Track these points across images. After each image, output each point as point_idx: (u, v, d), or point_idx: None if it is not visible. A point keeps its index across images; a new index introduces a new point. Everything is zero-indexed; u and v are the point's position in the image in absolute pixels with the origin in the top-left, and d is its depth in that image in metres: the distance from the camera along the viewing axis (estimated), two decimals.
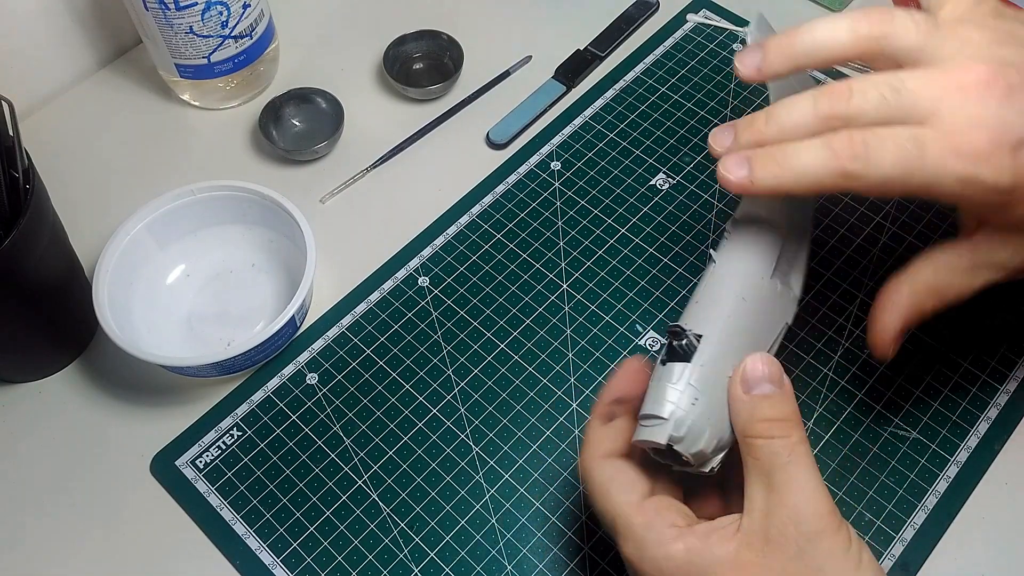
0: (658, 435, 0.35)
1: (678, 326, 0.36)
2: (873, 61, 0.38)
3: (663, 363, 0.36)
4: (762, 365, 0.35)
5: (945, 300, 0.39)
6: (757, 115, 0.38)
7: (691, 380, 0.35)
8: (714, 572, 0.33)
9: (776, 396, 0.35)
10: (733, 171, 0.37)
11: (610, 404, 0.38)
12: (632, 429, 0.37)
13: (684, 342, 0.36)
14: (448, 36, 0.63)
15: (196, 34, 0.55)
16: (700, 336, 0.36)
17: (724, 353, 0.36)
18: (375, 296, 0.53)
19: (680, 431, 0.34)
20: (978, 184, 0.34)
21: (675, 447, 0.35)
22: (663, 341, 0.38)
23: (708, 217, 0.55)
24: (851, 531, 0.34)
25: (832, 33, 0.37)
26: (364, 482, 0.47)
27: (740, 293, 0.38)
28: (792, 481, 0.33)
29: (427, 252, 0.55)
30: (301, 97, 0.60)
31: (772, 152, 0.36)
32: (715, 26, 0.65)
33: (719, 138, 0.38)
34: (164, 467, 0.48)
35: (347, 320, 0.52)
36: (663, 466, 0.36)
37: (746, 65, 0.39)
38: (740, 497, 0.35)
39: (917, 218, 0.55)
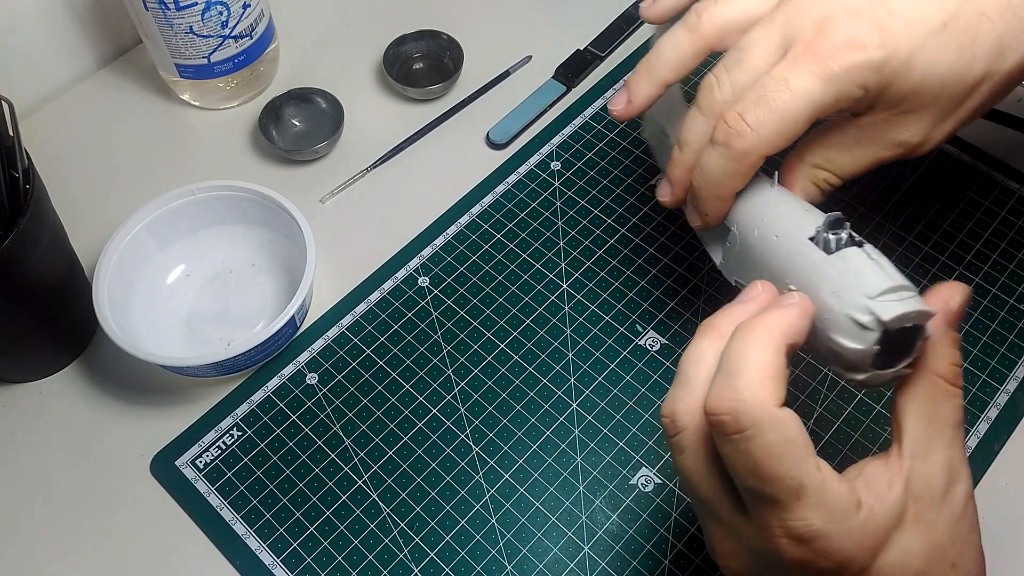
0: (925, 305, 0.31)
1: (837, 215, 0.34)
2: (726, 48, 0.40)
3: (850, 245, 0.33)
4: (963, 303, 0.33)
5: (840, 173, 0.39)
6: (672, 159, 0.40)
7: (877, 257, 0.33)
8: (895, 535, 0.31)
9: (958, 339, 0.33)
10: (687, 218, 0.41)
11: (791, 347, 0.31)
12: (787, 375, 0.31)
13: (849, 233, 0.34)
14: (448, 36, 0.63)
15: (196, 34, 0.55)
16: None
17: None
18: (375, 296, 0.53)
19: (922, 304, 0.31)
20: (840, 84, 0.35)
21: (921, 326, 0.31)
22: (822, 231, 0.34)
23: None
24: None
25: (674, 42, 0.40)
26: (364, 482, 0.47)
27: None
28: (959, 436, 0.32)
29: (427, 252, 0.55)
30: (301, 97, 0.60)
31: (697, 193, 0.39)
32: None
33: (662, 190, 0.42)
34: (164, 467, 0.48)
35: (347, 320, 0.52)
36: None
37: (616, 104, 0.42)
38: None
39: (917, 218, 0.55)
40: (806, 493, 0.29)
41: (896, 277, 0.32)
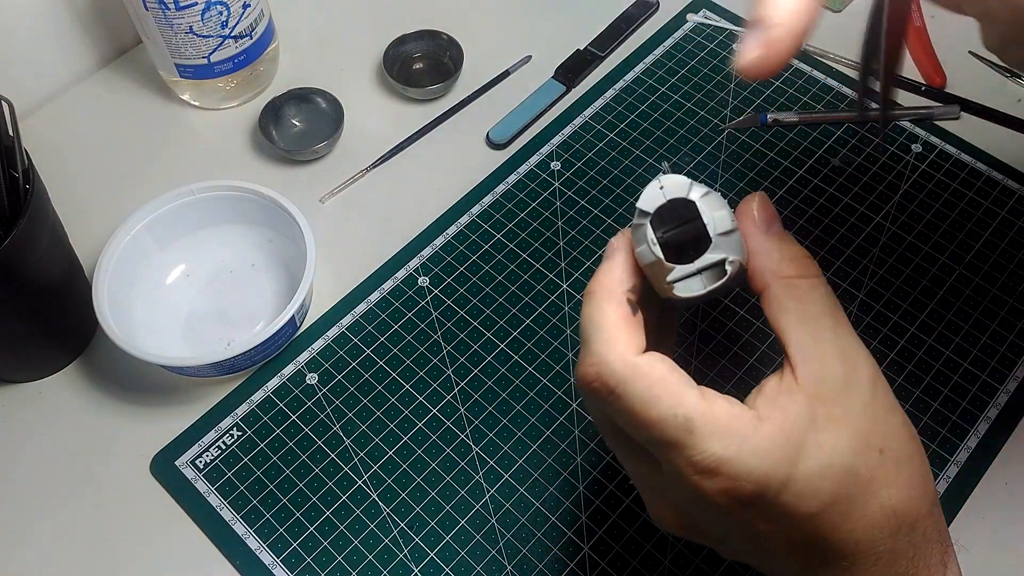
0: (681, 180, 0.31)
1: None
2: None
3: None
4: (769, 206, 0.33)
5: None
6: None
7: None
8: (808, 442, 0.30)
9: (789, 236, 0.32)
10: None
11: (628, 293, 0.32)
12: (641, 321, 0.32)
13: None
14: (448, 36, 0.62)
15: (196, 34, 0.55)
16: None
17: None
18: (375, 296, 0.53)
19: (695, 187, 0.32)
20: None
21: (700, 207, 0.31)
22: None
23: None
24: None
25: None
26: (364, 482, 0.47)
27: None
28: (843, 323, 0.31)
29: (427, 252, 0.55)
30: (301, 97, 0.60)
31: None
32: (715, 26, 0.65)
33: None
34: (164, 467, 0.48)
35: (347, 320, 0.52)
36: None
37: (750, 54, 0.33)
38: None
39: (917, 218, 0.55)
40: (695, 425, 0.29)
41: (667, 179, 0.32)
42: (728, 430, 0.29)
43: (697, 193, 0.31)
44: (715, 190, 0.32)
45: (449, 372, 0.50)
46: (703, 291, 0.32)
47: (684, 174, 0.32)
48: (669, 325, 0.38)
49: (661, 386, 0.30)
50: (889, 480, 0.31)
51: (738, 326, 0.50)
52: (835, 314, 0.32)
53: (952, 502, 0.45)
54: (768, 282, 0.32)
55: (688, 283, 0.31)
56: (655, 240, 0.31)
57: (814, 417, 0.30)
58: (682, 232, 0.33)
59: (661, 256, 0.31)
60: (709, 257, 0.31)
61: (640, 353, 0.31)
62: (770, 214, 0.33)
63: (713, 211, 0.31)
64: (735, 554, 0.34)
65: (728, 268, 0.31)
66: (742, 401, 0.31)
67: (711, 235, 0.31)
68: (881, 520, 0.30)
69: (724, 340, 0.48)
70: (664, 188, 0.32)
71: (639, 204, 0.32)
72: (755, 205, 0.33)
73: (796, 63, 0.62)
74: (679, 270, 0.31)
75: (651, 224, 0.32)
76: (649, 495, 0.34)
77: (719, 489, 0.30)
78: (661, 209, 0.32)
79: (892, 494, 0.31)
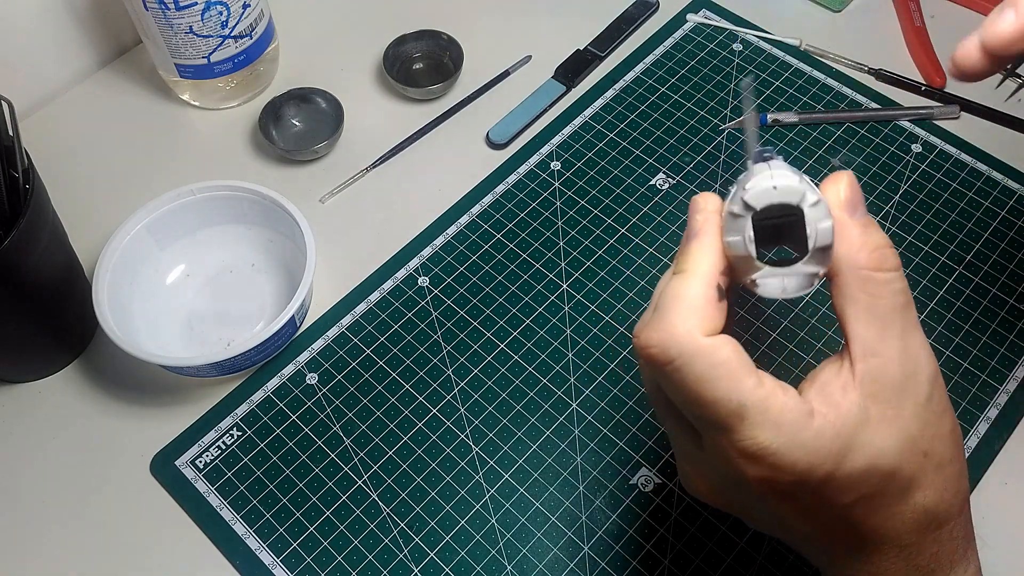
0: (794, 180, 0.29)
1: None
2: None
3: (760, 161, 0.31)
4: (856, 188, 0.31)
5: None
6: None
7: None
8: (859, 437, 0.30)
9: (873, 222, 0.31)
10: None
11: (721, 277, 0.31)
12: (724, 307, 0.31)
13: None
14: (448, 36, 0.62)
15: (196, 34, 0.55)
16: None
17: None
18: (375, 296, 0.53)
19: (810, 192, 0.30)
20: None
21: (808, 208, 0.30)
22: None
23: None
24: None
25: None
26: (364, 482, 0.47)
27: None
28: (913, 323, 0.30)
29: (427, 252, 0.55)
30: (301, 97, 0.60)
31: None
32: (715, 26, 0.65)
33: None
34: (164, 467, 0.48)
35: (347, 320, 0.52)
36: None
37: (968, 55, 0.35)
38: None
39: (917, 218, 0.55)
40: (748, 412, 0.29)
41: (780, 165, 0.30)
42: (779, 421, 0.29)
43: (809, 201, 0.30)
44: (817, 189, 0.30)
45: (449, 372, 0.50)
46: (784, 295, 0.31)
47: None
48: (730, 302, 0.37)
49: (723, 369, 0.29)
50: (928, 482, 0.31)
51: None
52: (905, 312, 0.31)
53: None
54: (842, 269, 0.31)
55: (771, 282, 0.31)
56: (752, 238, 0.30)
57: (867, 417, 0.30)
58: (778, 224, 0.31)
59: (755, 255, 0.30)
60: (802, 268, 0.30)
61: (712, 335, 0.30)
62: (856, 197, 0.31)
63: (819, 223, 0.30)
64: (759, 526, 0.35)
65: (816, 281, 0.31)
66: (796, 386, 0.31)
67: (810, 248, 0.30)
68: (912, 517, 0.31)
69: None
70: (777, 188, 0.29)
71: (747, 197, 0.30)
72: (843, 186, 0.31)
73: (796, 63, 0.62)
74: (768, 271, 0.30)
75: (752, 217, 0.30)
76: (685, 462, 0.34)
77: (760, 477, 0.30)
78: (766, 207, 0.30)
79: (928, 495, 0.31)
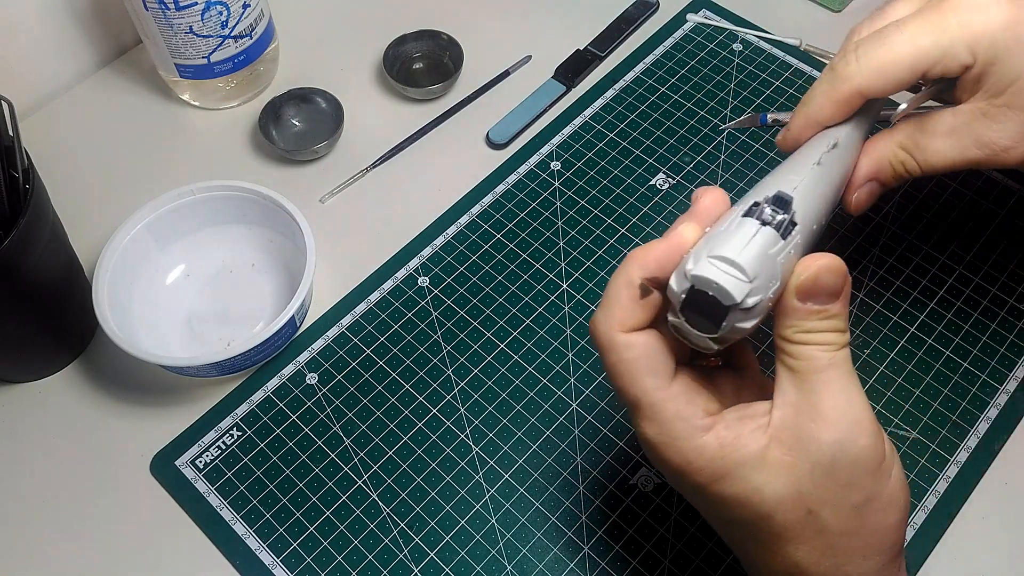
0: (736, 290, 0.31)
1: (783, 193, 0.33)
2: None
3: (763, 220, 0.32)
4: (828, 275, 0.32)
5: (921, 162, 0.39)
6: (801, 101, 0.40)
7: (771, 250, 0.32)
8: (742, 467, 0.32)
9: (830, 310, 0.32)
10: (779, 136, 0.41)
11: (647, 280, 0.33)
12: (661, 307, 0.34)
13: (770, 209, 0.33)
14: (448, 36, 0.63)
15: (196, 34, 0.55)
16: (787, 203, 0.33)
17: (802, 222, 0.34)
18: (375, 296, 0.53)
19: (750, 297, 0.31)
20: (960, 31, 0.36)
21: (734, 311, 0.31)
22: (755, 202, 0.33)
23: None
24: (886, 441, 0.33)
25: (823, 90, 0.39)
26: (364, 482, 0.47)
27: (814, 159, 0.37)
28: (829, 384, 0.32)
29: (427, 252, 0.55)
30: (301, 97, 0.60)
31: (796, 110, 0.40)
32: (715, 26, 0.65)
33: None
34: (164, 467, 0.48)
35: (347, 320, 0.52)
36: (680, 341, 0.34)
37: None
38: (755, 384, 0.35)
39: (917, 218, 0.55)
40: (641, 406, 0.33)
41: (748, 256, 0.31)
42: (664, 423, 0.33)
43: (743, 305, 0.31)
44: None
45: (449, 372, 0.50)
46: (685, 340, 0.34)
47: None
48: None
49: (625, 366, 0.33)
50: (805, 539, 0.32)
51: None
52: (826, 373, 0.32)
53: (952, 502, 0.45)
54: (776, 333, 0.33)
55: (682, 327, 0.33)
56: (682, 304, 0.32)
57: (764, 457, 0.32)
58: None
59: (679, 315, 0.33)
60: (707, 341, 0.33)
61: (631, 330, 0.33)
62: (815, 288, 0.32)
63: (738, 322, 0.32)
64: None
65: (712, 351, 0.33)
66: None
67: (717, 334, 0.32)
68: (783, 566, 0.33)
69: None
70: (717, 285, 0.31)
71: (694, 271, 0.31)
72: (804, 276, 0.32)
73: (796, 63, 0.62)
74: (680, 323, 0.33)
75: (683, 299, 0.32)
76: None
77: (650, 456, 0.35)
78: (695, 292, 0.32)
79: (803, 552, 0.32)
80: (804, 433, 0.32)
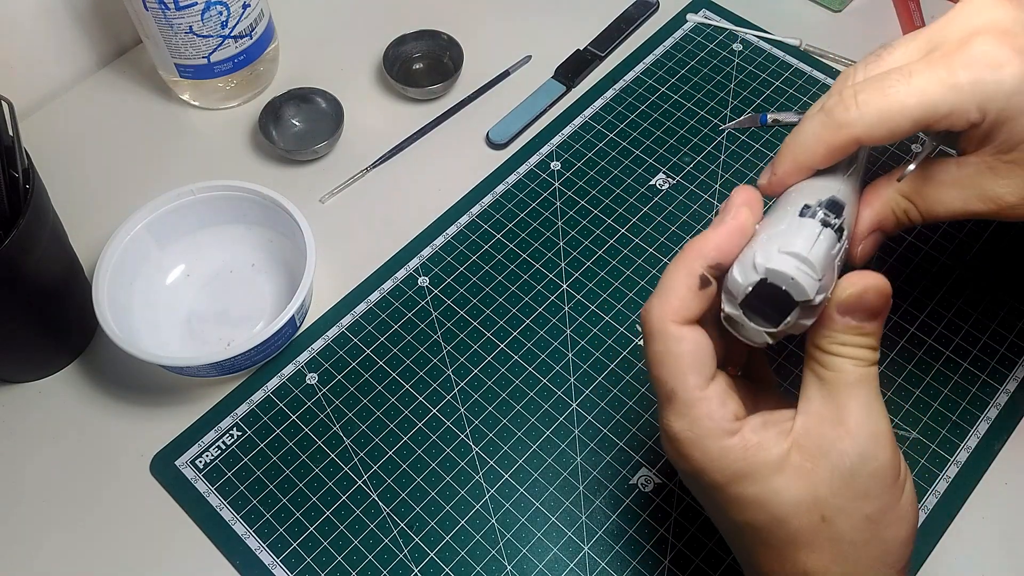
0: (810, 286, 0.31)
1: (834, 199, 0.34)
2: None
3: (821, 221, 0.33)
4: (873, 295, 0.32)
5: (924, 211, 0.38)
6: (785, 142, 0.39)
7: (832, 251, 0.33)
8: (762, 469, 0.32)
9: (866, 327, 0.33)
10: (761, 179, 0.39)
11: (710, 268, 0.33)
12: (708, 294, 0.34)
13: (823, 212, 0.33)
14: (448, 36, 0.62)
15: (196, 34, 0.55)
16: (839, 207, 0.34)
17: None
18: (375, 296, 0.53)
19: (819, 295, 0.32)
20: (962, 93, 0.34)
21: (800, 308, 0.32)
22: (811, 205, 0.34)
23: (708, 217, 0.55)
24: (902, 460, 0.33)
25: (814, 133, 0.37)
26: (364, 482, 0.47)
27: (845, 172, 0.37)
28: (855, 398, 0.32)
29: (427, 252, 0.55)
30: (301, 97, 0.60)
31: (782, 151, 0.38)
32: (715, 26, 0.65)
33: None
34: (164, 467, 0.48)
35: (347, 320, 0.52)
36: (728, 337, 0.35)
37: (762, 179, 0.40)
38: (772, 397, 0.36)
39: None
40: (676, 400, 0.33)
41: (816, 254, 0.32)
42: (695, 420, 0.33)
43: (811, 302, 0.32)
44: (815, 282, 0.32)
45: (449, 372, 0.50)
46: (740, 336, 0.34)
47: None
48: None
49: (671, 357, 0.33)
50: (817, 546, 0.32)
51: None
52: (855, 388, 0.33)
53: (952, 502, 0.45)
54: (811, 342, 0.34)
55: (737, 323, 0.33)
56: (747, 294, 0.33)
57: (785, 463, 0.32)
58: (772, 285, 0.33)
59: (743, 317, 0.33)
60: (764, 336, 0.33)
61: (681, 322, 0.33)
62: (859, 305, 0.32)
63: (800, 319, 0.32)
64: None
65: (766, 345, 0.34)
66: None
67: (777, 328, 0.33)
68: (792, 572, 0.33)
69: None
70: (794, 279, 0.31)
71: (770, 265, 0.32)
72: (850, 292, 0.32)
73: (796, 63, 0.62)
74: (740, 315, 0.33)
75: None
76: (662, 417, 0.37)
77: (670, 450, 0.35)
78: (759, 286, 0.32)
79: (813, 559, 0.33)
80: (826, 441, 0.32)
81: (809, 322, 0.33)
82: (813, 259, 0.32)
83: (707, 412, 0.33)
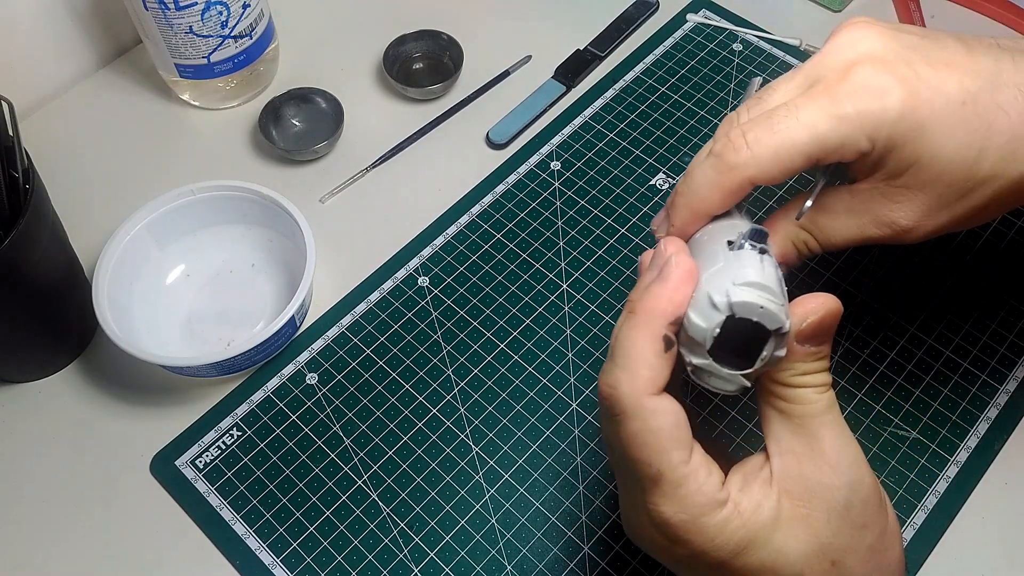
0: (780, 312, 0.29)
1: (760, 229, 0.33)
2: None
3: (751, 249, 0.32)
4: (830, 318, 0.31)
5: (822, 241, 0.38)
6: (676, 188, 0.37)
7: (778, 275, 0.31)
8: (764, 533, 0.31)
9: (824, 351, 0.32)
10: (658, 229, 0.38)
11: (670, 326, 0.31)
12: (672, 357, 0.31)
13: (749, 243, 0.32)
14: (448, 36, 0.63)
15: (196, 34, 0.55)
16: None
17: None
18: (375, 296, 0.53)
19: (788, 320, 0.30)
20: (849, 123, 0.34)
21: (773, 339, 0.30)
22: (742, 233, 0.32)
23: None
24: (875, 475, 0.33)
25: (706, 178, 0.36)
26: (364, 482, 0.47)
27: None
28: (828, 427, 0.31)
29: (427, 252, 0.55)
30: (301, 97, 0.60)
31: (675, 200, 0.37)
32: (715, 26, 0.65)
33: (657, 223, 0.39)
34: (164, 467, 0.48)
35: (347, 320, 0.52)
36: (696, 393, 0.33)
37: (656, 223, 0.39)
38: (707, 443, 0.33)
39: None
40: (663, 482, 0.31)
41: (770, 280, 0.30)
42: (686, 500, 0.31)
43: (783, 330, 0.30)
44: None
45: (449, 372, 0.50)
46: (711, 388, 0.32)
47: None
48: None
49: (653, 435, 0.31)
50: None
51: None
52: (822, 417, 0.32)
53: (952, 502, 0.45)
54: (765, 380, 0.32)
55: (705, 375, 0.31)
56: (715, 336, 0.30)
57: (779, 515, 0.31)
58: (737, 327, 0.31)
59: (708, 354, 0.31)
60: (740, 379, 0.31)
61: (655, 393, 0.31)
62: (817, 331, 0.31)
63: (776, 350, 0.30)
64: None
65: (743, 392, 0.31)
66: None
67: (754, 367, 0.30)
68: None
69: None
70: (763, 308, 0.29)
71: (733, 299, 0.29)
72: (809, 320, 0.31)
73: (796, 63, 0.62)
74: (710, 364, 0.31)
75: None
76: (621, 500, 0.35)
77: (660, 541, 0.32)
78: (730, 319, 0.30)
79: None
80: (811, 479, 0.31)
81: (782, 353, 0.31)
82: (771, 284, 0.30)
83: (697, 487, 0.31)
